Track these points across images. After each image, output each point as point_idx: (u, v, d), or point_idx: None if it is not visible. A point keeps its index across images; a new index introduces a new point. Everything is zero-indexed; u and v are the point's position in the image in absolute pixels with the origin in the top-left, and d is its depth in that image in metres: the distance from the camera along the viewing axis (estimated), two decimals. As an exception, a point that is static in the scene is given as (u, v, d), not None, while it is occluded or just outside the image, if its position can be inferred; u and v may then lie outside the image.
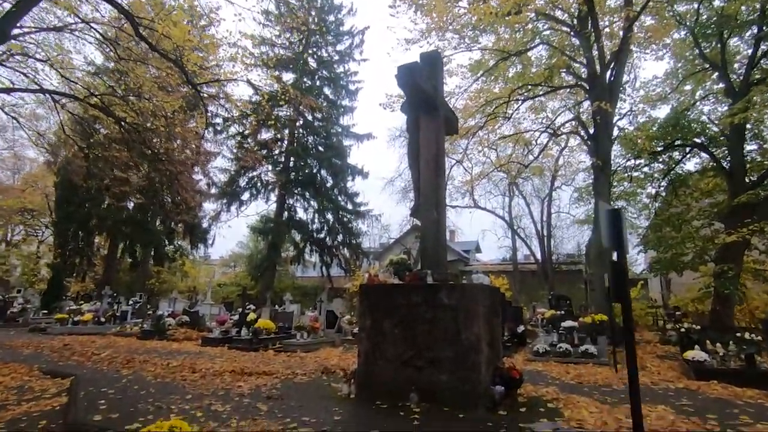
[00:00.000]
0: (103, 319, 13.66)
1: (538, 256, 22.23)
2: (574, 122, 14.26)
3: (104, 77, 13.82)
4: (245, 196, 23.25)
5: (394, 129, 26.61)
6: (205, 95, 11.74)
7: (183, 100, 17.47)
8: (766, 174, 13.01)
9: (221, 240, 55.14)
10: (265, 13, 25.24)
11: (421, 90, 5.45)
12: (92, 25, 10.34)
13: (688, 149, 15.32)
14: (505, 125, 16.15)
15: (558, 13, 13.14)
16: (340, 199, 24.75)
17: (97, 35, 10.87)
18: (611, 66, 11.19)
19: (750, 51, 14.62)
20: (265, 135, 24.00)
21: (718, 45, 14.88)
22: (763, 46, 13.70)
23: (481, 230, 27.47)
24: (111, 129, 14.29)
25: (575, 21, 12.91)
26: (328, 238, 24.20)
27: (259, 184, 23.38)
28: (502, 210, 24.72)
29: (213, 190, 24.37)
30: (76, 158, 16.50)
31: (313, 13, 26.66)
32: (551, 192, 21.35)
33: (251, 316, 11.54)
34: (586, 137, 13.52)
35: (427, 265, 5.36)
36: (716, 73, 15.68)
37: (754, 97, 13.20)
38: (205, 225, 25.41)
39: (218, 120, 23.78)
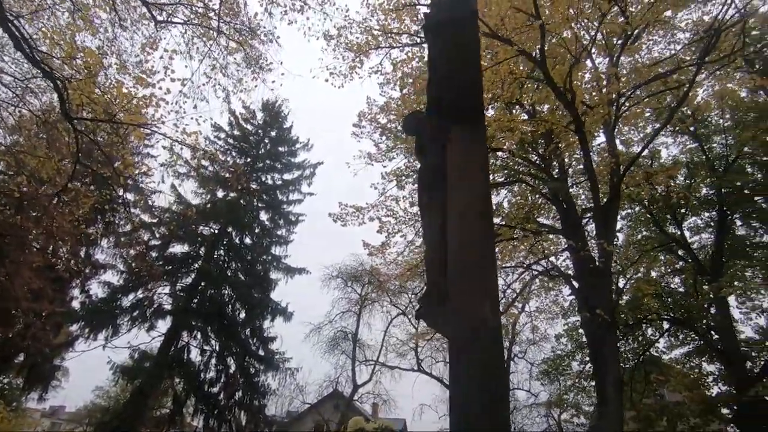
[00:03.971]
0: None
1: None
2: (548, 274, 12.30)
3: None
4: (124, 320, 17.53)
5: (332, 267, 23.68)
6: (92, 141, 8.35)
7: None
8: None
9: (83, 383, 42.57)
10: (216, 129, 23.91)
11: (470, 56, 2.74)
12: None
13: (666, 326, 13.66)
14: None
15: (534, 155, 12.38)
16: (251, 342, 19.64)
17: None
18: (606, 210, 9.73)
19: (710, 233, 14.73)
20: (176, 248, 19.81)
21: (672, 225, 14.94)
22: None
23: (420, 405, 22.53)
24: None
25: (549, 163, 12.10)
26: (223, 394, 18.11)
27: (147, 307, 18.02)
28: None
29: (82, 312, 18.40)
30: None
31: (266, 141, 25.89)
32: (508, 361, 18.25)
33: None
34: (570, 290, 11.43)
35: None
36: (664, 254, 15.43)
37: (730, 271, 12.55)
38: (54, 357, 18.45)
39: (127, 227, 19.64)
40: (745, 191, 14.13)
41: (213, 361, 18.52)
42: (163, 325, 18.05)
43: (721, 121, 14.56)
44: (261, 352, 19.60)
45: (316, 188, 24.96)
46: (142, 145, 19.58)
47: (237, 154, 24.86)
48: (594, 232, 12.16)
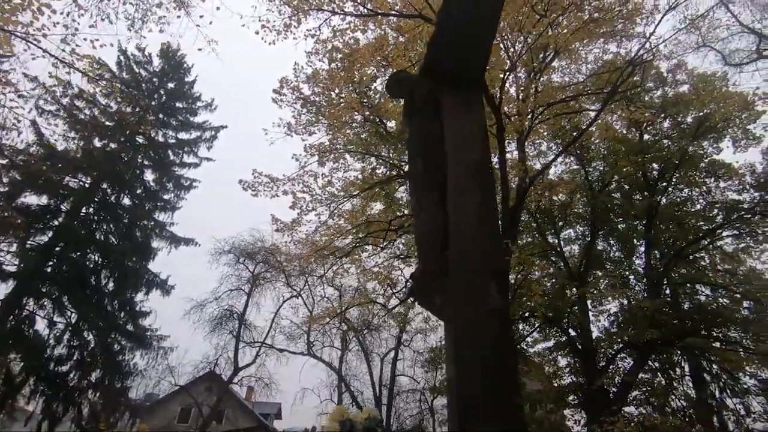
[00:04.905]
0: None
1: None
2: None
3: None
4: (-57, 280, 13.99)
5: (224, 241, 21.83)
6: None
7: None
8: (613, 358, 13.35)
9: None
10: (100, 66, 20.28)
11: (492, 15, 2.53)
12: None
13: (537, 323, 15.39)
14: (374, 257, 13.91)
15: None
16: (118, 316, 17.23)
17: None
18: (513, 213, 10.48)
19: (579, 244, 16.96)
20: (31, 199, 16.42)
21: (551, 234, 16.91)
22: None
23: (302, 389, 22.01)
24: None
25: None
26: (75, 373, 15.60)
27: (-19, 266, 14.62)
28: (339, 364, 20.66)
29: None
30: None
31: (162, 92, 22.87)
32: (398, 349, 18.86)
33: None
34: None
35: None
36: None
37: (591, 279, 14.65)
38: None
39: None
40: (610, 213, 16.58)
41: (67, 336, 15.80)
42: (1, 290, 14.86)
43: (600, 148, 16.81)
44: (130, 328, 17.34)
45: (219, 154, 22.86)
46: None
47: (122, 100, 21.49)
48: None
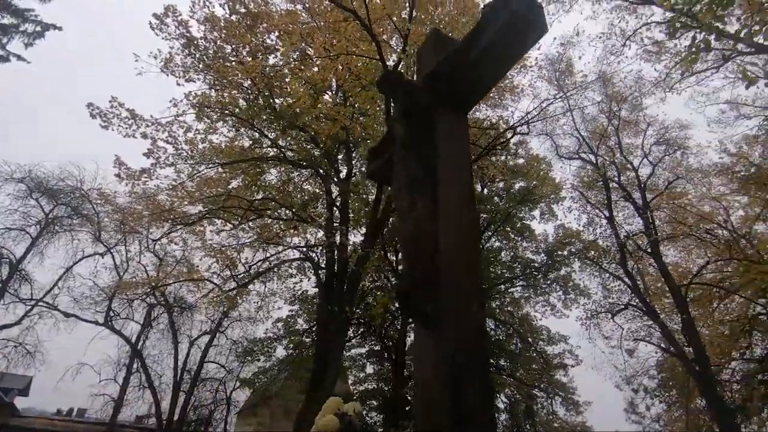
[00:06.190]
0: None
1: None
2: (309, 260, 12.65)
3: None
4: None
5: (16, 166, 16.64)
6: None
7: None
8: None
9: None
10: None
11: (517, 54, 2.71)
12: None
13: (360, 330, 16.35)
14: (219, 234, 12.84)
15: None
16: None
17: None
18: (378, 223, 11.04)
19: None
20: None
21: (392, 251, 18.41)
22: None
23: (78, 363, 17.94)
24: None
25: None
26: None
27: None
28: (136, 341, 17.83)
29: None
30: None
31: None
32: (215, 334, 17.30)
33: None
34: (316, 282, 12.11)
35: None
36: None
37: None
38: None
39: None
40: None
41: None
42: None
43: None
44: None
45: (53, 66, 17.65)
46: None
47: None
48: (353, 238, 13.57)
